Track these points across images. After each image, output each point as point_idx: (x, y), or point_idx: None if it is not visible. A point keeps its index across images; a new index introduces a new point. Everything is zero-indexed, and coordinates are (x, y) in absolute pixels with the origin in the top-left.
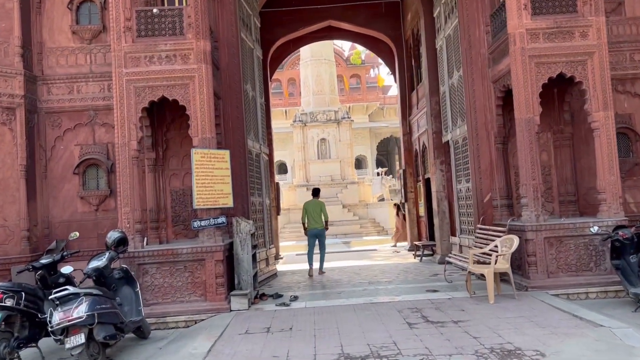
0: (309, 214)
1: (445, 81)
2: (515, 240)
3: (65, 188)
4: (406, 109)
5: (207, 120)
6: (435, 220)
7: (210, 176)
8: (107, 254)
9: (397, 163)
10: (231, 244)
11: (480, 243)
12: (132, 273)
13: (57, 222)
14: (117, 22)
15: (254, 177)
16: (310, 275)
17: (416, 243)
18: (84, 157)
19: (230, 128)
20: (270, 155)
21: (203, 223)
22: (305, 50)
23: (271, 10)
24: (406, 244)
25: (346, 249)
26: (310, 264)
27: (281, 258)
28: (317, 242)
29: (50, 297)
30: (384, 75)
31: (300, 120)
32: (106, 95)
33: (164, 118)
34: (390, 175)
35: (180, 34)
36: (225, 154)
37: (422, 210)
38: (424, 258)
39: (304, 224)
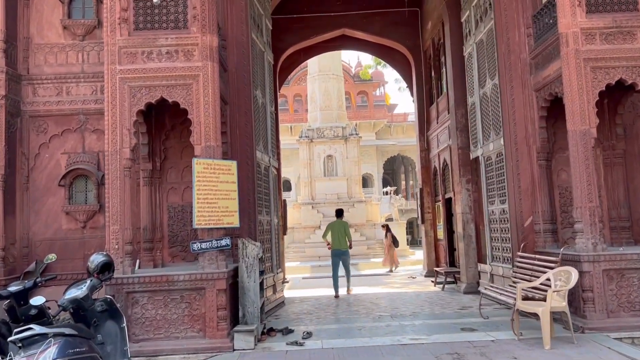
0: (333, 234)
1: (475, 91)
2: (574, 274)
3: (49, 202)
4: (424, 123)
5: (212, 126)
6: (460, 245)
7: (214, 191)
8: (88, 281)
9: (403, 182)
10: (235, 270)
11: (522, 274)
12: (118, 305)
13: (38, 241)
14: (112, 13)
15: (262, 192)
16: (337, 297)
17: (437, 269)
18: (72, 166)
19: (238, 137)
20: (279, 170)
21: (204, 245)
22: (313, 65)
23: (281, 16)
24: (420, 268)
25: (357, 273)
26: (336, 286)
27: (287, 282)
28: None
29: (10, 339)
30: (391, 93)
31: (306, 136)
32: (98, 98)
33: (163, 124)
34: (400, 195)
35: (184, 27)
36: (232, 165)
37: (440, 233)
38: (446, 286)
39: (328, 242)
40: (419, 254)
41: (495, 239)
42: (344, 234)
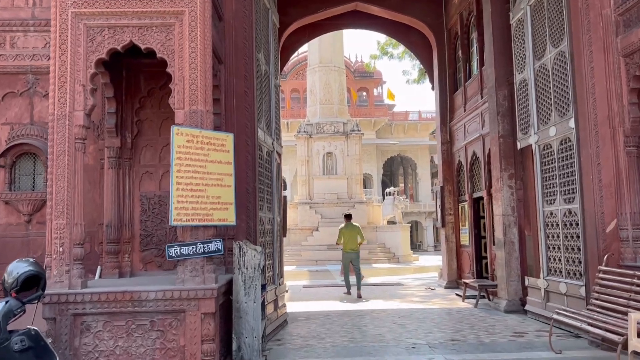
0: (345, 237)
1: (527, 65)
2: None
3: None
4: (446, 113)
5: (199, 84)
6: (498, 254)
7: (201, 173)
8: (1, 304)
9: (402, 185)
10: (229, 285)
11: (612, 295)
12: (48, 340)
13: None
14: None
15: (263, 183)
16: (348, 293)
17: (466, 282)
18: (15, 141)
19: (235, 108)
20: (280, 158)
21: (185, 250)
22: (313, 55)
23: None
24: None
25: (364, 282)
26: (347, 285)
27: (286, 291)
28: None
29: None
30: (394, 89)
31: (305, 131)
32: None
33: (137, 88)
34: (404, 196)
35: None
36: (228, 139)
37: (465, 238)
38: (479, 302)
39: (338, 244)
40: (423, 260)
41: (553, 248)
42: (355, 236)
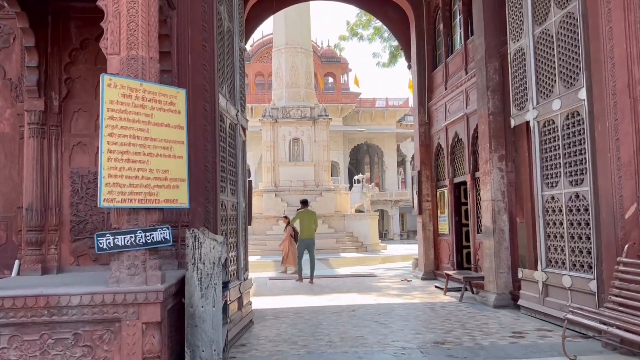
0: (302, 223)
1: (525, 33)
2: None
3: None
4: (424, 92)
5: (141, 23)
6: (486, 243)
7: (141, 139)
8: None
9: (368, 174)
10: (181, 284)
11: (632, 290)
12: None
13: None
14: None
15: (226, 160)
16: (300, 280)
17: (448, 273)
18: None
19: (190, 65)
20: (245, 134)
21: (121, 241)
22: (279, 36)
23: None
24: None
25: (332, 273)
26: (300, 270)
27: (251, 286)
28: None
29: None
30: (364, 73)
31: (270, 116)
32: None
33: (66, 38)
34: (373, 184)
35: None
36: (179, 96)
37: (443, 227)
38: (464, 296)
39: (294, 228)
40: (391, 249)
41: (555, 236)
42: (312, 223)
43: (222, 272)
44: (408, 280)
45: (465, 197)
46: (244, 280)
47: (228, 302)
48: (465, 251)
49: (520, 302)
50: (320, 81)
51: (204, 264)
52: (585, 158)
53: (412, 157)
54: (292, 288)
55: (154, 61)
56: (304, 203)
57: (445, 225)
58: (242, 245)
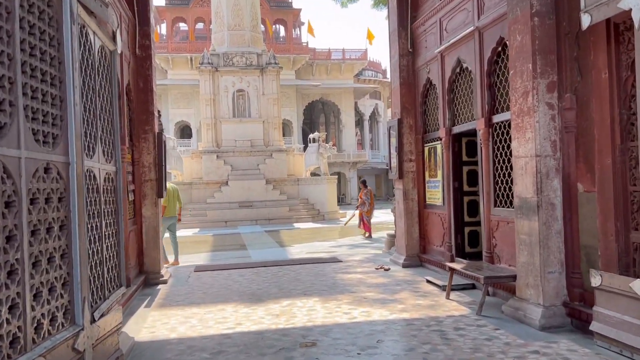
0: (169, 198)
1: None
2: None
3: None
4: (405, 7)
5: None
6: (523, 224)
7: None
8: None
9: (325, 134)
10: None
11: None
12: None
13: None
14: None
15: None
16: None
17: (454, 267)
18: None
19: None
20: (147, 50)
21: None
22: None
23: None
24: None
25: (285, 257)
26: (165, 256)
27: (164, 280)
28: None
29: None
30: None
31: (209, 63)
32: None
33: None
34: (331, 143)
35: None
36: None
37: (435, 196)
38: (482, 305)
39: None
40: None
41: None
42: (176, 200)
43: None
44: (385, 269)
45: (469, 154)
46: (112, 305)
47: None
48: (468, 230)
49: (594, 326)
50: (269, 28)
51: None
52: None
53: (370, 116)
54: (223, 287)
55: None
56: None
57: (436, 193)
58: (113, 241)
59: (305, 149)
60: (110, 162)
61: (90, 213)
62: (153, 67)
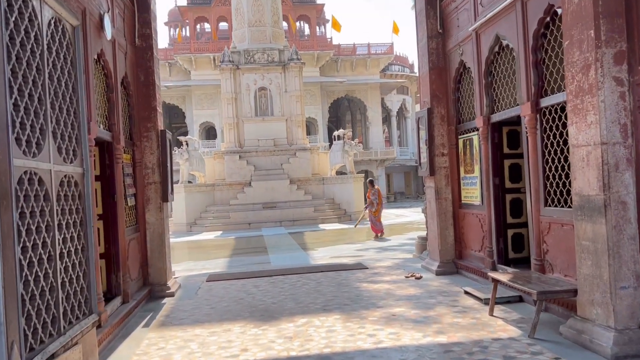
0: None
1: None
2: None
3: None
4: None
5: None
6: (586, 227)
7: None
8: None
9: (350, 131)
10: None
11: None
12: None
13: None
14: None
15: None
16: None
17: (497, 278)
18: None
19: None
20: (148, 40)
21: None
22: None
23: None
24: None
25: (308, 263)
26: None
27: (171, 294)
28: None
29: None
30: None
31: (230, 61)
32: None
33: None
34: (357, 140)
35: None
36: None
37: (472, 194)
38: (536, 325)
39: None
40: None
41: None
42: None
43: None
44: (417, 277)
45: (511, 146)
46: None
47: None
48: (511, 233)
49: None
50: (292, 25)
51: None
52: None
53: (398, 112)
54: (234, 301)
55: None
56: None
57: (474, 191)
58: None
59: (330, 147)
60: (71, 163)
61: (28, 228)
62: (155, 59)
